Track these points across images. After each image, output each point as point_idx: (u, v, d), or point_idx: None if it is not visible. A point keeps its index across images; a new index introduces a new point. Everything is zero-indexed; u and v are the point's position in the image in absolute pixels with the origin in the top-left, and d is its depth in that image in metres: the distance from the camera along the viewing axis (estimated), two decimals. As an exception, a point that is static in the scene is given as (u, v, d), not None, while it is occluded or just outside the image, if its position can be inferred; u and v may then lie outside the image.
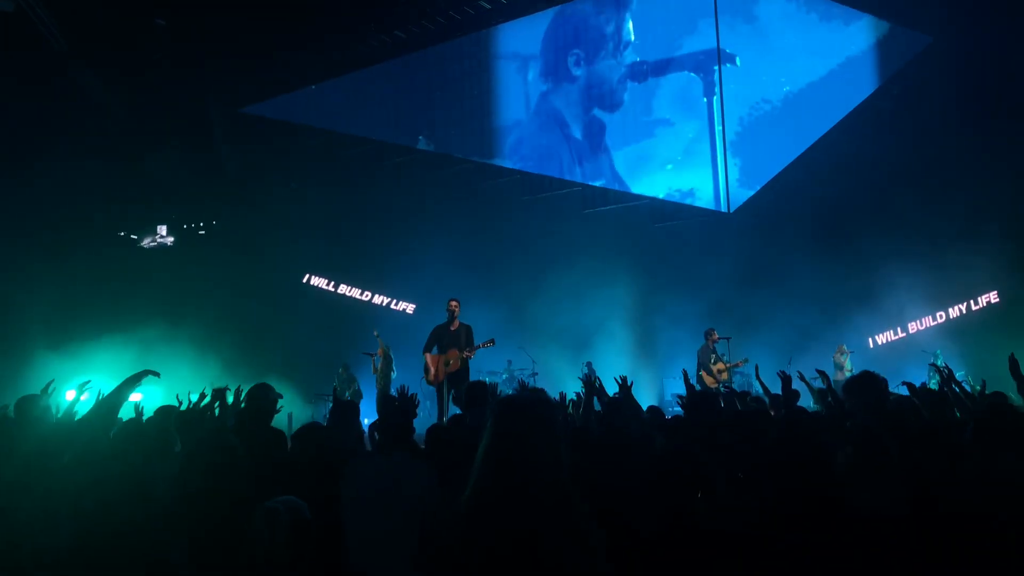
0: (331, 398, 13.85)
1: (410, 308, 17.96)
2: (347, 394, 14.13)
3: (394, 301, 18.15)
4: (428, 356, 9.78)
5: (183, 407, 5.21)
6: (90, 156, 15.46)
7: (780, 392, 6.90)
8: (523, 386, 5.94)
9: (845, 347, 14.44)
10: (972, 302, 15.33)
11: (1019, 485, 2.54)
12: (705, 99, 16.24)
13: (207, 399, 5.40)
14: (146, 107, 16.65)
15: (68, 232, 15.96)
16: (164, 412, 5.01)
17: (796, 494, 2.88)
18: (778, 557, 2.88)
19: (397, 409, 4.10)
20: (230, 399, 5.66)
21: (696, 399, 4.67)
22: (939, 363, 13.87)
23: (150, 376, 4.39)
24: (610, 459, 4.36)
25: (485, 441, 2.04)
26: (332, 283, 18.21)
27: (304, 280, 18.03)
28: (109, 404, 4.02)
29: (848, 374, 13.24)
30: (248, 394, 4.48)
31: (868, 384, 4.15)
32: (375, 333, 13.78)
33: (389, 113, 18.50)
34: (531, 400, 2.12)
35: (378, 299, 18.24)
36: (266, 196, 17.54)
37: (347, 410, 4.85)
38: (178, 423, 4.68)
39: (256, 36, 15.49)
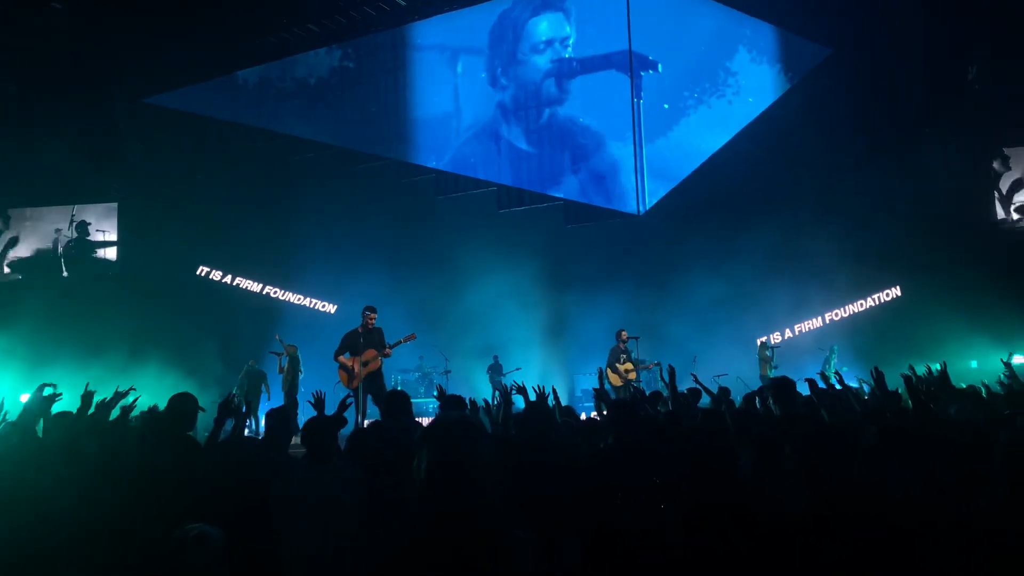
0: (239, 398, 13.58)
1: (318, 304, 17.79)
2: (245, 394, 13.68)
3: (309, 299, 17.90)
4: (343, 360, 9.74)
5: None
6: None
7: (686, 392, 7.27)
8: (442, 393, 6.01)
9: (768, 341, 15.08)
10: (876, 297, 16.24)
11: (907, 492, 2.80)
12: (634, 100, 16.56)
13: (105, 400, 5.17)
14: (41, 92, 15.86)
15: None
16: (62, 419, 4.59)
17: (704, 498, 3.09)
18: (687, 557, 3.08)
19: (332, 416, 4.12)
20: (129, 400, 5.48)
21: (616, 408, 4.87)
22: (834, 359, 14.74)
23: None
24: (530, 461, 4.51)
25: (422, 468, 2.11)
26: (229, 276, 17.75)
27: (198, 272, 17.51)
28: (24, 423, 3.88)
29: (772, 369, 13.88)
30: (169, 404, 4.34)
31: (787, 390, 4.45)
32: (277, 336, 13.58)
33: (300, 107, 18.16)
34: (459, 428, 2.18)
35: (287, 296, 17.93)
36: (171, 188, 17.00)
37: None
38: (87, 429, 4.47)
39: (163, 24, 14.97)
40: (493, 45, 17.61)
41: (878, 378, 4.92)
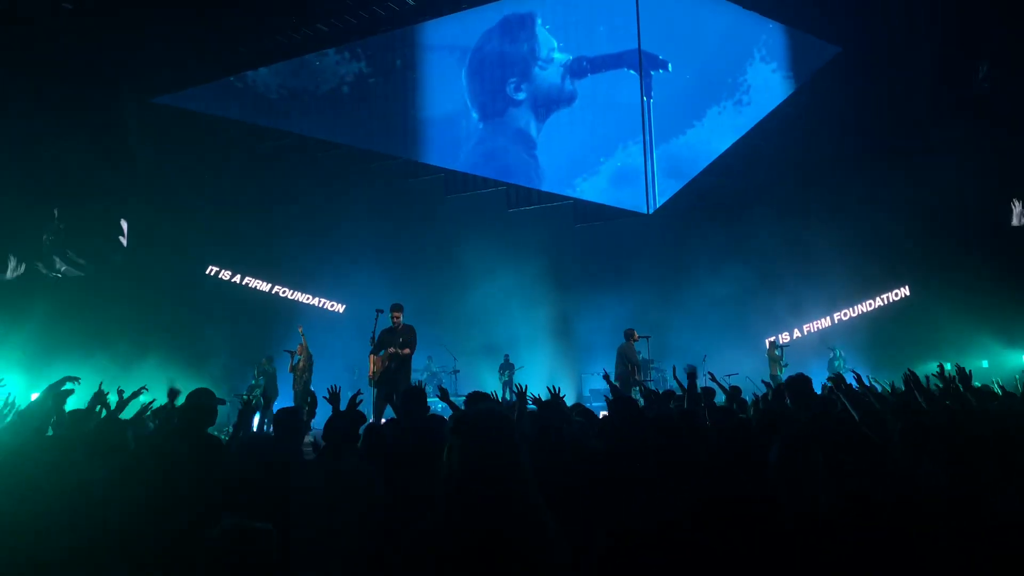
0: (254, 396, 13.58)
1: (327, 303, 17.79)
2: (258, 392, 13.65)
3: (318, 299, 17.92)
4: (372, 357, 9.81)
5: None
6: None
7: (700, 391, 7.25)
8: (444, 393, 6.06)
9: (777, 341, 15.06)
10: (885, 297, 16.22)
11: (935, 491, 2.80)
12: (643, 98, 16.54)
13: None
14: (52, 95, 15.88)
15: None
16: (76, 416, 4.64)
17: (728, 493, 3.08)
18: (707, 555, 3.07)
19: (346, 413, 4.12)
20: (144, 400, 5.52)
21: (620, 406, 4.87)
22: (838, 359, 14.70)
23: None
24: (544, 459, 4.51)
25: (451, 458, 2.11)
26: (238, 276, 17.75)
27: (207, 272, 17.51)
28: (37, 412, 3.90)
29: (782, 368, 13.85)
30: (188, 399, 4.35)
31: (804, 387, 4.45)
32: (300, 329, 13.43)
33: (309, 107, 18.19)
34: (493, 418, 2.19)
35: (296, 295, 17.95)
36: (180, 188, 17.04)
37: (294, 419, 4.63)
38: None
39: (172, 24, 14.99)
40: (501, 49, 17.63)
41: (914, 380, 4.92)
